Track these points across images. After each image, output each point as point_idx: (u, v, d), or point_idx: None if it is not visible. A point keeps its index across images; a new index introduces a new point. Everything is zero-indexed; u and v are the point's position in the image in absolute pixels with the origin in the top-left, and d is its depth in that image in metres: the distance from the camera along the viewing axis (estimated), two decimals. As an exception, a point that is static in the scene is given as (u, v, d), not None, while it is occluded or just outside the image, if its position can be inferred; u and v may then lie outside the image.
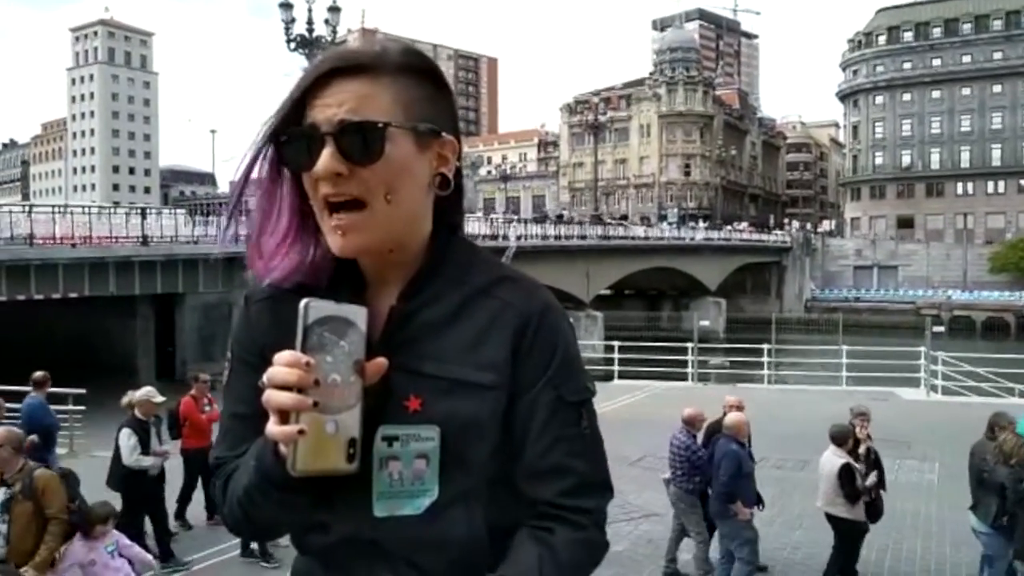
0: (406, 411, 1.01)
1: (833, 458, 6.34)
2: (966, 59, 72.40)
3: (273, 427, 0.92)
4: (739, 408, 7.05)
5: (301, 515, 1.03)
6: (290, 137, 1.00)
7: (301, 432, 0.90)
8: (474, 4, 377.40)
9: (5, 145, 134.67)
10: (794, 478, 9.53)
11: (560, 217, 53.13)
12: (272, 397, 0.91)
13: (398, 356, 1.00)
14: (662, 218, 68.70)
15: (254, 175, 1.05)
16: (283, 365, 0.91)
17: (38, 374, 9.04)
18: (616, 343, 20.75)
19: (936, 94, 73.64)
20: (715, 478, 6.32)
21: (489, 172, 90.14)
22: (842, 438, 6.46)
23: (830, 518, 6.39)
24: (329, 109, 0.98)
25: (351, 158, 0.97)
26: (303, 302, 0.93)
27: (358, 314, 0.96)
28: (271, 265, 1.07)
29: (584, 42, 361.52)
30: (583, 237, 40.90)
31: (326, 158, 0.97)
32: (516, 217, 47.86)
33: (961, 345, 25.03)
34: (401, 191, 1.00)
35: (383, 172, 0.99)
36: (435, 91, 1.05)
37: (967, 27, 72.90)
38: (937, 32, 74.18)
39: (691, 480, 6.67)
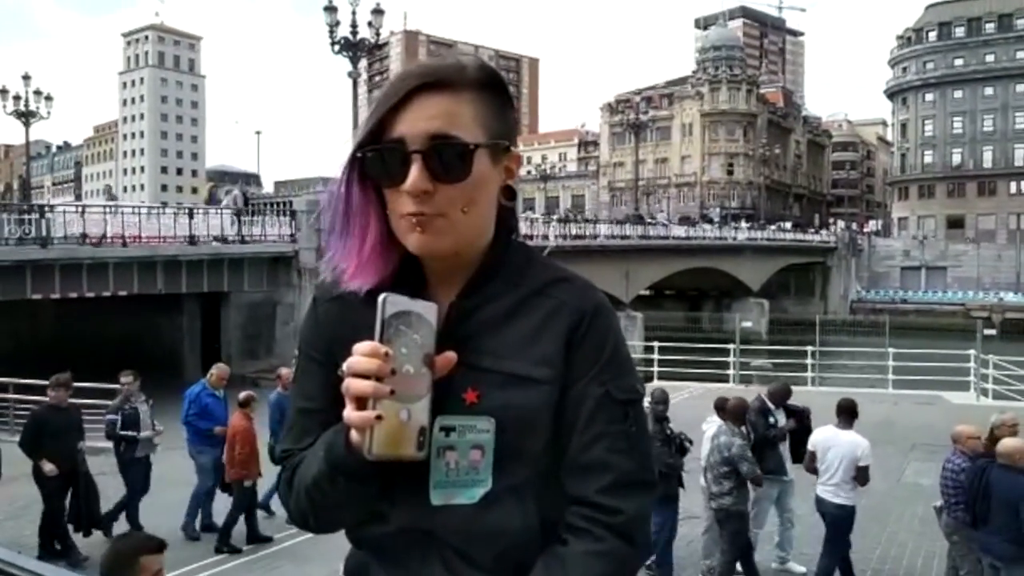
0: (463, 403, 1.04)
1: None
2: (1020, 55, 70.27)
3: (351, 413, 0.96)
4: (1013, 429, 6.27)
5: (366, 504, 1.06)
6: (377, 153, 1.03)
7: (379, 418, 0.94)
8: (515, 4, 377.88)
9: (59, 147, 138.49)
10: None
11: (578, 214, 51.93)
12: (352, 384, 0.95)
13: (457, 350, 1.03)
14: (704, 218, 67.94)
15: (342, 188, 1.08)
16: (363, 355, 0.95)
17: (284, 371, 9.23)
18: (656, 344, 20.59)
19: (988, 91, 71.65)
20: (1010, 517, 5.52)
21: (529, 172, 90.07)
22: None
23: None
24: (416, 125, 1.01)
25: (439, 177, 1.01)
26: (382, 296, 0.98)
27: (430, 310, 1.01)
28: (363, 272, 1.09)
29: (626, 41, 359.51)
30: (623, 237, 40.55)
31: (415, 176, 1.00)
32: (556, 216, 47.68)
33: (1014, 348, 24.27)
34: (478, 204, 1.05)
35: (466, 188, 1.02)
36: (504, 105, 1.09)
37: (1021, 22, 70.76)
38: (990, 27, 72.18)
39: (970, 510, 5.98)
